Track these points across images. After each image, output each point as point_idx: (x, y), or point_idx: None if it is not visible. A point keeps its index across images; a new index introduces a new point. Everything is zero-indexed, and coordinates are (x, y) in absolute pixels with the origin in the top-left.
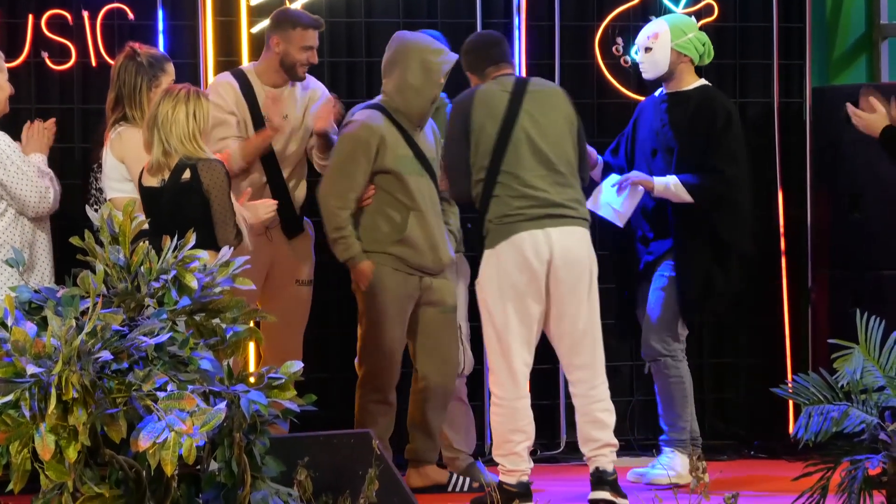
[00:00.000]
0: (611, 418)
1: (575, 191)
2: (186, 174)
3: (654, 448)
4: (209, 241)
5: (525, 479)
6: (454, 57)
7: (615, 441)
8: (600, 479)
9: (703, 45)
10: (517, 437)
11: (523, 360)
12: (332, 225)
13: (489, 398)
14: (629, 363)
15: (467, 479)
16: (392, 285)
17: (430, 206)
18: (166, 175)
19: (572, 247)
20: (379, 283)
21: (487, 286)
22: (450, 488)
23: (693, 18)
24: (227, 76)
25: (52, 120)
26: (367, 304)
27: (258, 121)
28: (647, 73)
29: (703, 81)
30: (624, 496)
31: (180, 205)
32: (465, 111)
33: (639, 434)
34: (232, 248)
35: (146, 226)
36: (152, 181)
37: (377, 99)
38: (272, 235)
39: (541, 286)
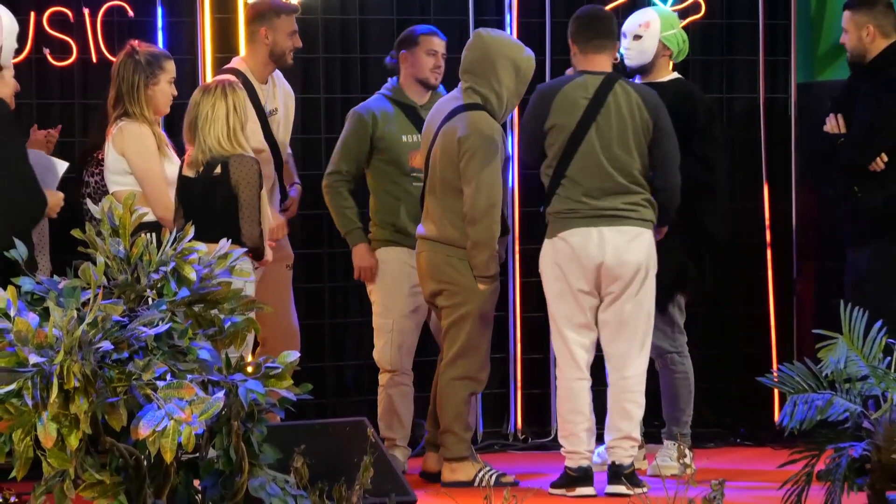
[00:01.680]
0: (638, 412)
1: (635, 196)
2: (218, 169)
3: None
4: (233, 233)
5: (586, 463)
6: (532, 53)
7: (637, 436)
8: (616, 473)
9: (684, 41)
10: (577, 418)
11: (580, 345)
12: (496, 239)
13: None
14: None
15: (494, 474)
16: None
17: None
18: (201, 169)
19: (624, 245)
20: (496, 286)
21: (544, 274)
22: (476, 483)
23: (676, 15)
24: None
25: (59, 127)
26: (481, 308)
27: (262, 118)
28: (633, 60)
29: (676, 74)
30: (641, 485)
31: (209, 197)
32: (546, 104)
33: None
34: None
35: (175, 212)
36: (189, 172)
37: (459, 97)
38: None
39: (592, 279)
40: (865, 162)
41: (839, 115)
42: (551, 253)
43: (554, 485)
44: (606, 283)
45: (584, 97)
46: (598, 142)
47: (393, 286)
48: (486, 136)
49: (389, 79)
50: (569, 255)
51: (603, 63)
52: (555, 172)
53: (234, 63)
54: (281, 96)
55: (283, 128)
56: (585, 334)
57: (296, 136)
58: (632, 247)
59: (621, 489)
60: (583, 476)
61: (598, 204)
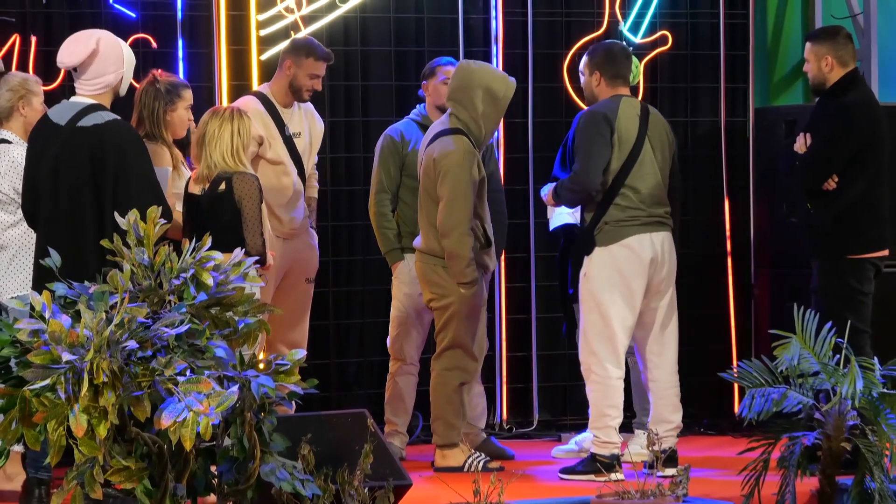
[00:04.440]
0: (680, 404)
1: (668, 206)
2: (223, 186)
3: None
4: (238, 243)
5: (616, 451)
6: (514, 81)
7: (681, 423)
8: (671, 458)
9: (635, 66)
10: (612, 412)
11: (623, 345)
12: (469, 249)
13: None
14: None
15: (482, 460)
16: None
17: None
18: (207, 185)
19: (669, 249)
20: (478, 288)
21: (598, 279)
22: (466, 468)
23: (624, 44)
24: (255, 102)
25: None
26: (464, 306)
27: (285, 136)
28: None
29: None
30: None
31: (215, 211)
32: (611, 119)
33: (572, 415)
34: (253, 255)
35: (184, 226)
36: (195, 189)
37: (446, 122)
38: (296, 240)
39: (645, 281)
40: (815, 184)
41: (807, 135)
42: (609, 260)
43: (570, 471)
44: (656, 284)
45: (635, 114)
46: (651, 153)
47: (410, 285)
48: (457, 158)
49: (418, 105)
50: (631, 261)
51: (626, 91)
52: (613, 183)
53: (261, 87)
54: (306, 123)
55: (309, 151)
56: (629, 336)
57: None
58: (672, 250)
59: (673, 471)
60: (615, 463)
61: (651, 211)
